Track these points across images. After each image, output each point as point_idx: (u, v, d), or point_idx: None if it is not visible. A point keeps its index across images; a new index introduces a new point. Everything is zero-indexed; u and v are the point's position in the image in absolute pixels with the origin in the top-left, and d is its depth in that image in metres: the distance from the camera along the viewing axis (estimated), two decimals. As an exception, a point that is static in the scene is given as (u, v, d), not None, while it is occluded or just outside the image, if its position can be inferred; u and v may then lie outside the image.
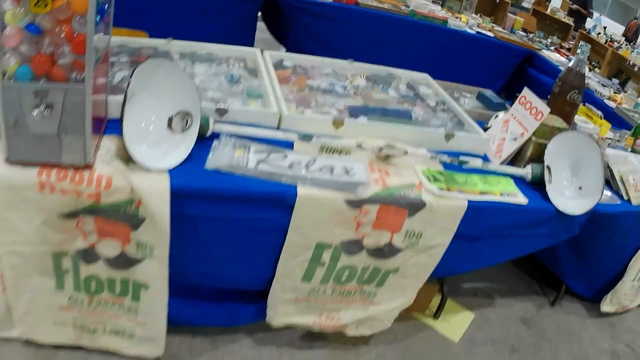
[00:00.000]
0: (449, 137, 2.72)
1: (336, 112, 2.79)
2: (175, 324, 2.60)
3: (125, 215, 2.11)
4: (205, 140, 2.33)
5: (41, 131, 1.95)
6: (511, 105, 2.99)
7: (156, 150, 2.17)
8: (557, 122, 2.88)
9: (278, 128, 2.56)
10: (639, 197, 3.06)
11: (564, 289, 3.59)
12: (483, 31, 5.42)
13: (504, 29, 6.01)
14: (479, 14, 6.12)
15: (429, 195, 2.38)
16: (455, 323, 3.29)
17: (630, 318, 3.75)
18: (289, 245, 2.36)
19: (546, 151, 2.71)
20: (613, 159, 3.21)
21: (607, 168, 3.11)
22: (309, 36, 4.80)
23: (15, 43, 1.81)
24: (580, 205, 2.66)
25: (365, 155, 2.51)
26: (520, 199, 2.57)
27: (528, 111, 2.81)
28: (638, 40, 9.68)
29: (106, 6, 2.07)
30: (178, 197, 2.09)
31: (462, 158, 2.64)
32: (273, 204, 2.24)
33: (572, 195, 2.74)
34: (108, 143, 2.19)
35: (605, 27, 8.02)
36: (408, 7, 5.17)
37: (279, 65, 3.13)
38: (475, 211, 2.46)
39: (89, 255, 2.24)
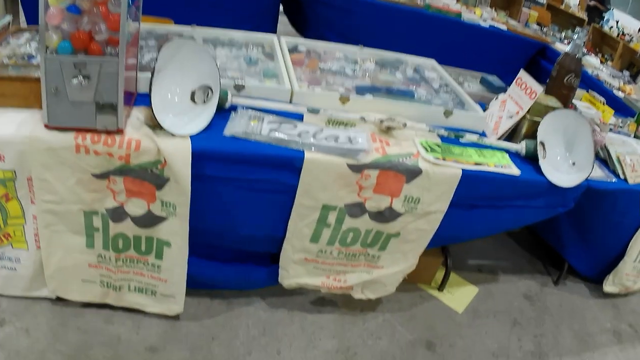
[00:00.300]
0: (447, 113, 3.01)
1: (344, 90, 3.09)
2: (194, 286, 2.93)
3: (151, 175, 2.44)
4: (223, 112, 2.67)
5: (78, 99, 2.28)
6: (512, 89, 3.23)
7: (180, 119, 2.49)
8: (551, 101, 3.13)
9: (290, 103, 2.88)
10: (636, 177, 3.27)
11: (566, 267, 3.81)
12: (497, 24, 5.59)
13: (518, 22, 6.17)
14: (493, 8, 6.29)
15: (425, 163, 2.66)
16: (460, 296, 3.56)
17: (634, 300, 3.95)
18: (297, 206, 2.67)
19: (539, 127, 2.95)
20: (611, 140, 3.45)
21: (605, 149, 3.36)
22: (327, 28, 5.06)
23: (57, 21, 2.16)
24: (572, 179, 2.89)
25: (368, 128, 2.82)
26: (514, 170, 2.82)
27: (523, 91, 3.07)
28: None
29: (137, -9, 2.41)
30: (199, 159, 2.42)
31: (459, 133, 2.93)
32: (283, 167, 2.55)
33: (565, 170, 2.95)
34: (137, 113, 2.52)
35: (617, 21, 8.16)
36: (423, 0, 5.42)
37: (293, 50, 3.47)
38: (470, 180, 2.72)
39: (117, 214, 2.56)
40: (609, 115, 3.76)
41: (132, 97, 2.57)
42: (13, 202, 2.57)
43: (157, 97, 2.40)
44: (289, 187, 2.62)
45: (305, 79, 3.13)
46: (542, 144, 2.94)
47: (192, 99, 2.57)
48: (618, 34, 7.49)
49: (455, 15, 5.32)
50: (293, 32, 5.61)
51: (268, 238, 2.89)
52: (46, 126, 2.35)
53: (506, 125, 3.10)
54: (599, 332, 3.56)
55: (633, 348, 3.52)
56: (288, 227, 2.78)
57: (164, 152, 2.37)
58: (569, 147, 3.00)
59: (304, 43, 3.63)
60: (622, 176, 3.27)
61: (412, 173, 2.64)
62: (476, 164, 2.78)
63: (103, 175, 2.44)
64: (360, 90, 3.12)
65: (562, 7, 8.55)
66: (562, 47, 5.59)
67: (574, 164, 2.96)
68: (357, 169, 2.58)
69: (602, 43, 7.05)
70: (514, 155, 2.99)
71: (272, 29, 5.09)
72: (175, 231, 2.62)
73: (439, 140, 2.88)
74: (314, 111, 2.75)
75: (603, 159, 3.37)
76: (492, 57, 5.10)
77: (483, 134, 3.12)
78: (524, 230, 4.34)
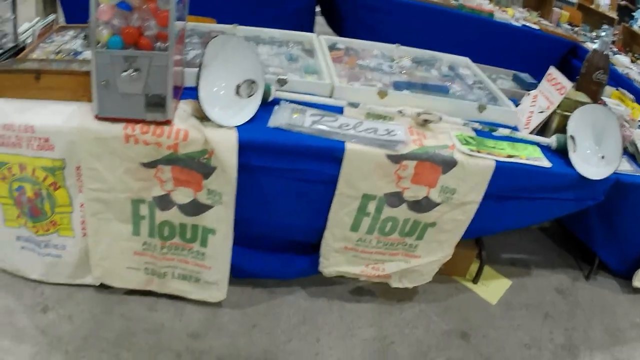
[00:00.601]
0: (481, 108, 3.19)
1: (382, 85, 3.28)
2: (237, 276, 3.11)
3: (198, 164, 2.62)
4: (267, 105, 2.85)
5: (128, 91, 2.47)
6: (543, 85, 3.36)
7: (226, 112, 2.68)
8: (581, 97, 3.29)
9: (330, 97, 3.07)
10: (664, 172, 3.36)
11: (597, 262, 3.93)
12: (529, 24, 5.67)
13: (550, 22, 6.27)
14: (526, 8, 6.39)
15: (460, 154, 2.83)
16: (493, 288, 3.71)
17: (667, 296, 4.04)
18: (338, 195, 2.85)
19: (569, 122, 3.10)
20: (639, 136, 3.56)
21: (633, 144, 3.48)
22: (363, 28, 5.16)
23: (108, 17, 2.36)
24: (601, 172, 3.02)
25: (406, 121, 3.00)
26: (545, 162, 2.96)
27: (554, 87, 3.24)
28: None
29: (184, -10, 2.61)
30: (244, 149, 2.61)
31: (492, 127, 3.09)
32: (325, 157, 2.73)
33: (595, 163, 3.06)
34: (184, 106, 2.72)
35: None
36: (457, 1, 5.53)
37: (332, 47, 3.69)
38: (503, 172, 2.87)
39: (164, 202, 2.75)
40: (638, 112, 3.87)
41: (179, 90, 2.76)
42: (61, 191, 2.75)
43: (204, 90, 2.59)
44: (330, 177, 2.79)
45: (344, 75, 3.33)
46: (572, 137, 3.07)
47: (237, 92, 2.76)
48: (648, 34, 7.55)
49: (488, 15, 5.41)
50: (330, 32, 5.71)
51: (309, 227, 3.06)
52: (96, 117, 2.54)
53: (537, 119, 3.25)
54: (629, 327, 3.65)
55: (663, 343, 3.63)
56: (329, 216, 2.95)
57: (211, 142, 2.55)
58: (598, 141, 3.13)
59: (342, 41, 3.85)
60: (650, 169, 3.34)
61: (448, 164, 2.81)
62: (509, 156, 2.92)
63: (151, 164, 2.63)
64: (398, 86, 3.30)
65: (593, 6, 8.62)
66: (593, 47, 5.50)
67: (602, 157, 3.08)
68: (395, 159, 2.75)
69: (632, 42, 7.11)
70: (545, 149, 3.12)
71: (309, 29, 5.21)
72: (221, 219, 2.79)
73: (473, 134, 3.05)
74: (353, 105, 2.95)
75: (632, 154, 3.47)
76: (524, 56, 5.13)
77: (515, 128, 3.26)
78: (556, 225, 4.47)
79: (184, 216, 2.81)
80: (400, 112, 2.98)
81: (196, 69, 2.62)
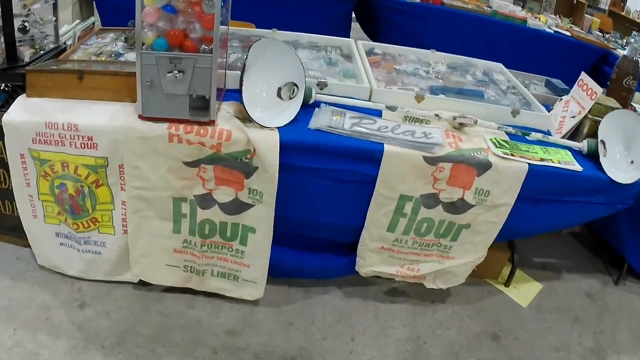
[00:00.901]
0: (515, 113, 3.28)
1: (419, 89, 3.38)
2: (274, 274, 3.19)
3: (240, 164, 2.74)
4: (307, 108, 2.97)
5: (173, 92, 2.59)
6: (575, 91, 3.45)
7: (267, 114, 2.80)
8: (612, 102, 3.36)
9: (369, 100, 3.18)
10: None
11: (626, 267, 4.01)
12: (561, 31, 5.74)
13: (581, 29, 6.32)
14: (558, 15, 6.46)
15: (495, 157, 2.92)
16: (525, 291, 3.81)
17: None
18: (376, 196, 2.95)
19: (600, 127, 3.17)
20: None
21: None
22: (398, 34, 5.26)
23: (153, 20, 2.48)
24: (630, 176, 3.10)
25: (442, 125, 3.11)
26: (576, 166, 3.04)
27: (585, 92, 3.33)
28: None
29: (228, -5, 2.73)
30: (285, 149, 2.72)
31: (525, 131, 3.18)
32: (364, 158, 2.83)
33: (624, 168, 3.12)
34: (226, 107, 2.84)
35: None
36: (490, 7, 5.60)
37: (370, 52, 3.82)
38: (535, 175, 2.96)
39: (205, 200, 2.86)
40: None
41: (221, 92, 2.88)
42: (103, 189, 2.87)
43: (247, 92, 2.72)
44: (368, 177, 2.89)
45: (382, 79, 3.45)
46: (603, 142, 3.15)
47: (279, 95, 2.88)
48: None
49: (521, 22, 5.49)
50: (365, 38, 5.82)
51: (347, 227, 3.16)
52: (140, 117, 2.66)
53: (569, 124, 3.33)
54: (657, 333, 3.73)
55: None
56: (367, 216, 3.05)
57: (253, 142, 2.66)
58: (627, 146, 3.19)
59: (380, 46, 3.98)
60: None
61: (483, 166, 2.90)
62: (541, 159, 3.00)
63: (194, 164, 2.74)
64: (434, 90, 3.41)
65: (623, 13, 8.67)
66: (623, 53, 5.54)
67: (632, 162, 3.15)
68: (432, 161, 2.85)
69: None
70: (577, 153, 3.19)
71: (345, 34, 5.29)
72: (261, 218, 2.90)
73: (507, 137, 3.14)
74: (391, 108, 3.06)
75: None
76: (557, 62, 5.18)
77: (548, 133, 3.35)
78: (586, 231, 4.57)
79: (224, 215, 2.91)
80: (436, 115, 3.09)
81: (237, 72, 2.74)
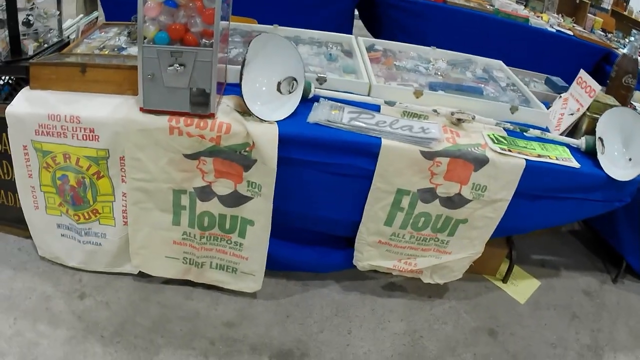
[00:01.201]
0: (513, 109, 3.32)
1: (418, 85, 3.42)
2: (272, 267, 3.25)
3: (240, 157, 2.78)
4: (307, 102, 3.00)
5: (173, 85, 2.63)
6: (575, 89, 3.48)
7: (267, 107, 2.84)
8: (610, 100, 3.40)
9: (368, 95, 3.22)
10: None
11: (624, 266, 4.05)
12: (563, 30, 5.75)
13: (584, 28, 6.32)
14: (560, 14, 6.47)
15: (492, 153, 2.95)
16: (522, 288, 3.85)
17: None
18: (374, 190, 2.99)
19: (597, 124, 3.20)
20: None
21: None
22: (400, 32, 5.29)
23: (154, 14, 2.53)
24: (628, 174, 3.12)
25: (440, 120, 3.14)
26: (574, 163, 3.07)
27: (584, 90, 3.36)
28: None
29: (229, -11, 2.78)
30: (284, 143, 2.76)
31: (523, 127, 3.21)
32: (361, 153, 2.87)
33: (622, 165, 3.15)
34: (227, 101, 2.88)
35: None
36: (493, 5, 5.61)
37: (370, 48, 3.85)
38: (533, 171, 2.99)
39: (205, 193, 2.91)
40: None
41: (222, 86, 2.93)
42: (104, 180, 2.91)
43: (247, 86, 2.75)
44: (366, 171, 2.93)
45: (381, 75, 3.48)
46: (601, 139, 3.18)
47: (278, 89, 2.92)
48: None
49: (523, 21, 5.50)
50: (367, 35, 5.84)
51: (345, 221, 3.19)
52: (141, 109, 2.70)
53: (567, 121, 3.37)
54: (654, 330, 3.77)
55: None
56: (364, 210, 3.09)
57: (252, 135, 2.71)
58: (625, 143, 3.23)
59: (380, 43, 4.01)
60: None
61: (480, 162, 2.94)
62: (539, 155, 3.03)
63: (194, 156, 2.79)
64: (433, 86, 3.44)
65: (626, 13, 8.66)
66: (623, 51, 5.59)
67: (630, 159, 3.17)
68: (429, 156, 2.89)
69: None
70: (575, 150, 3.22)
71: (348, 32, 5.28)
72: (260, 210, 2.94)
73: (505, 134, 3.18)
74: (390, 103, 3.10)
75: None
76: (559, 61, 5.18)
77: (546, 130, 3.38)
78: (585, 229, 4.61)
79: (223, 207, 2.96)
80: (435, 111, 3.12)
81: (238, 66, 2.77)
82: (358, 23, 6.03)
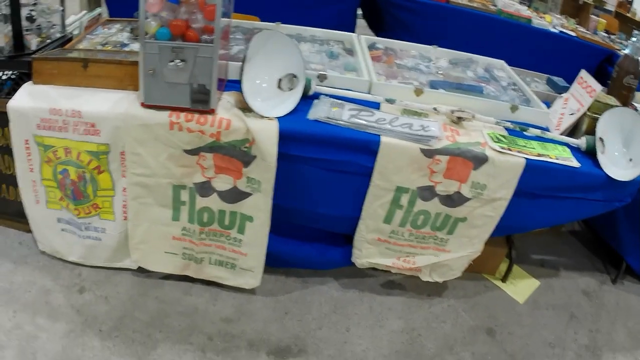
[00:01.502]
0: (514, 108, 3.32)
1: (418, 84, 3.42)
2: (272, 264, 3.27)
3: (239, 153, 2.79)
4: (307, 99, 3.02)
5: (174, 80, 2.64)
6: (576, 89, 3.48)
7: (267, 104, 2.85)
8: (611, 100, 3.40)
9: (368, 93, 3.22)
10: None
11: (624, 267, 4.05)
12: (566, 31, 5.72)
13: (587, 30, 6.31)
14: (564, 15, 6.47)
15: (491, 151, 2.96)
16: (522, 287, 3.85)
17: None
18: (373, 187, 3.00)
19: (598, 123, 3.20)
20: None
21: None
22: (404, 31, 5.27)
23: (156, 10, 2.54)
24: (628, 174, 3.12)
25: (440, 118, 3.15)
26: (574, 162, 3.07)
27: (584, 90, 3.37)
28: None
29: (230, -14, 2.79)
30: (284, 139, 2.77)
31: (523, 126, 3.22)
32: (361, 150, 2.88)
33: (623, 165, 3.15)
34: (227, 97, 2.90)
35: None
36: (495, 6, 5.62)
37: (372, 47, 3.86)
38: (533, 170, 2.99)
39: (204, 188, 2.92)
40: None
41: (222, 83, 2.94)
42: (104, 175, 2.92)
43: (247, 82, 2.77)
44: (365, 168, 2.94)
45: (382, 73, 3.49)
46: (601, 139, 3.18)
47: (279, 86, 2.93)
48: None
49: (526, 21, 5.49)
50: (370, 34, 5.83)
51: (344, 218, 3.21)
52: (142, 104, 2.71)
53: (568, 121, 3.38)
54: (653, 332, 3.77)
55: (687, 348, 3.74)
56: (363, 207, 3.10)
57: (252, 131, 2.72)
58: (626, 144, 3.23)
59: (382, 41, 4.03)
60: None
61: (479, 160, 2.95)
62: (539, 155, 3.03)
63: (194, 151, 2.80)
64: (434, 85, 3.45)
65: (629, 14, 8.65)
66: (624, 51, 5.63)
67: (631, 160, 3.18)
68: (429, 153, 2.90)
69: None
70: (575, 150, 3.22)
71: (351, 30, 5.26)
72: (259, 207, 2.95)
73: (505, 132, 3.18)
74: (390, 101, 3.11)
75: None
76: (562, 62, 5.08)
77: (547, 129, 3.38)
78: (586, 229, 4.61)
79: (223, 203, 2.97)
80: (435, 109, 3.13)
81: (240, 63, 2.78)
82: (361, 22, 6.04)
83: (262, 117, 2.77)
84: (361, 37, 3.91)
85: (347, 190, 3.05)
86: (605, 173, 3.10)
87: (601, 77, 3.90)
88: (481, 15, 5.37)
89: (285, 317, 3.22)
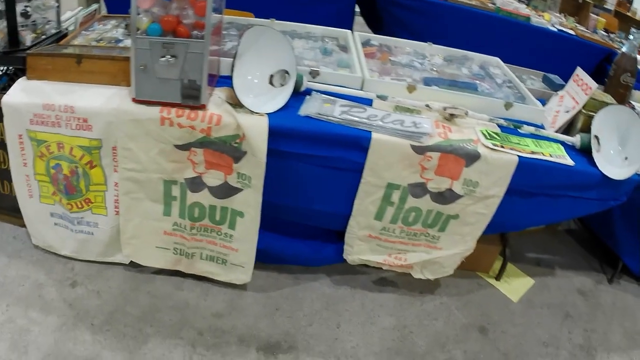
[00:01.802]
0: (508, 106, 3.32)
1: (412, 80, 3.42)
2: (264, 261, 3.30)
3: (230, 148, 2.79)
4: (299, 95, 3.03)
5: (165, 76, 2.65)
6: (571, 87, 3.47)
7: (258, 100, 2.85)
8: (607, 98, 3.40)
9: (361, 90, 3.22)
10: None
11: (620, 266, 4.04)
12: (565, 29, 5.71)
13: (587, 28, 6.29)
14: (563, 14, 6.46)
15: (484, 148, 2.95)
16: (516, 286, 3.85)
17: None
18: (364, 184, 3.00)
19: (593, 121, 3.19)
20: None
21: None
22: (401, 28, 5.26)
23: (148, 6, 2.55)
24: (623, 172, 3.11)
25: (433, 115, 3.14)
26: (568, 160, 3.06)
27: (580, 87, 3.35)
28: None
29: (221, -18, 2.80)
30: (275, 135, 2.77)
31: (517, 123, 3.22)
32: (352, 146, 2.88)
33: (618, 164, 3.12)
34: (219, 93, 2.90)
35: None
36: (494, 4, 5.61)
37: (366, 44, 3.87)
38: (526, 167, 2.98)
39: (195, 184, 2.93)
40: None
41: (214, 78, 2.95)
42: (96, 170, 2.94)
43: (238, 78, 2.77)
44: (356, 165, 2.94)
45: (376, 69, 3.49)
46: (597, 137, 3.17)
47: (270, 82, 2.93)
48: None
49: (524, 19, 5.48)
50: (368, 31, 5.84)
51: (335, 214, 3.21)
52: (134, 100, 2.72)
53: (563, 119, 3.36)
54: (649, 332, 3.76)
55: (683, 348, 3.73)
56: (354, 203, 3.10)
57: (243, 127, 2.72)
58: (622, 142, 3.20)
59: (376, 38, 4.04)
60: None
61: (472, 157, 2.94)
62: (532, 152, 3.02)
63: (185, 147, 2.81)
64: (427, 82, 3.44)
65: (629, 13, 8.64)
66: (621, 49, 5.58)
67: (626, 158, 3.15)
68: (420, 150, 2.89)
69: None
70: (569, 148, 3.23)
71: (348, 28, 5.30)
72: (249, 202, 2.95)
73: (498, 130, 3.17)
74: (382, 97, 3.11)
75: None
76: (560, 61, 5.01)
77: (541, 127, 3.37)
78: (582, 228, 4.61)
79: (214, 198, 2.97)
80: (427, 106, 3.13)
81: (232, 59, 2.78)
82: (359, 20, 6.04)
83: (252, 113, 2.77)
84: (355, 34, 3.91)
85: (338, 186, 3.05)
86: (600, 171, 3.09)
87: (600, 76, 3.90)
88: (479, 14, 5.36)
89: (276, 313, 3.21)
